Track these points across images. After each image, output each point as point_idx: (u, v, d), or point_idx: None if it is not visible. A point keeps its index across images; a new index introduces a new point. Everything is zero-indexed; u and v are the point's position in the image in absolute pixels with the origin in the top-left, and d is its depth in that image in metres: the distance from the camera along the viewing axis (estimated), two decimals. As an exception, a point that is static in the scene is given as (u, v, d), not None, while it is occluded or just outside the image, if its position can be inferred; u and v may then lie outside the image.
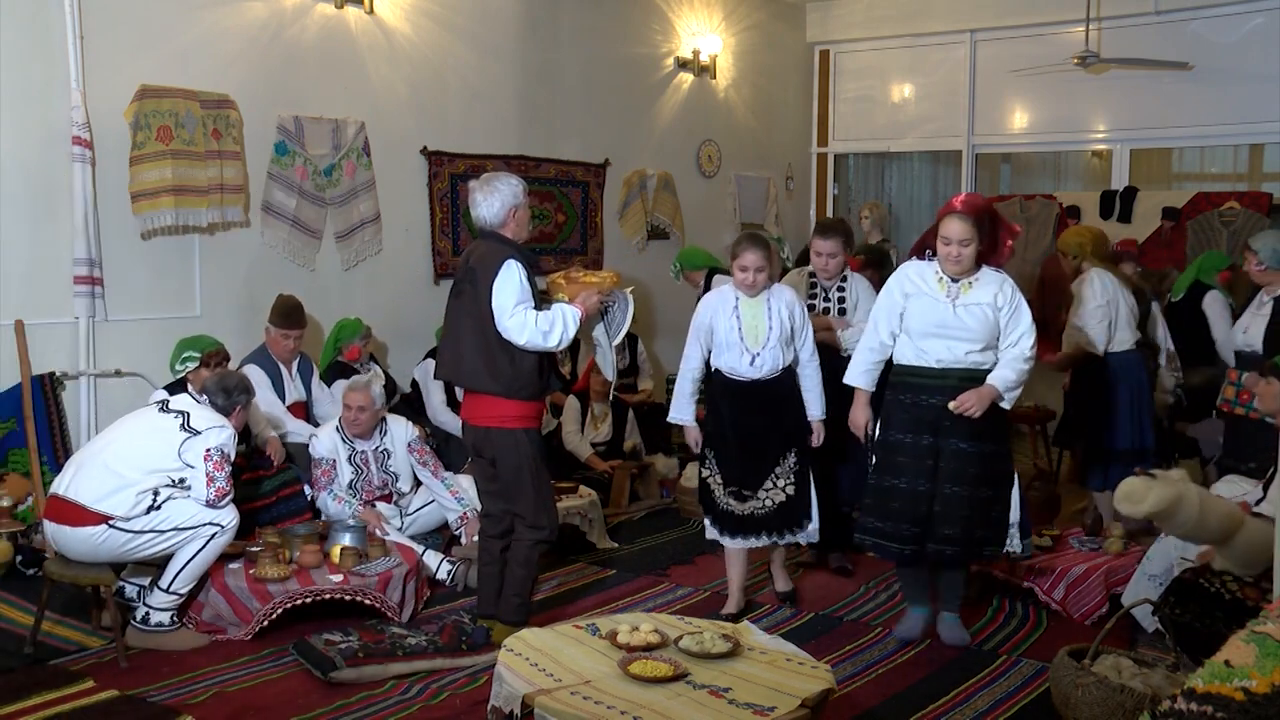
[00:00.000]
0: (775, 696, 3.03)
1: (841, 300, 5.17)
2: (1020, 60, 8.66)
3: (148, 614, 4.28)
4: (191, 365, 5.15)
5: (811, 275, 5.20)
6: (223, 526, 4.29)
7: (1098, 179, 9.05)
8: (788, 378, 4.67)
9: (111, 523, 4.15)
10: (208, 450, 4.27)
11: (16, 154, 5.20)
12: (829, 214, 9.84)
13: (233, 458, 4.40)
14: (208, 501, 4.26)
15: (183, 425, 4.30)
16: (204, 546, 4.25)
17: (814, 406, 4.72)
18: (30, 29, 5.21)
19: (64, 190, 5.31)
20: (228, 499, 4.32)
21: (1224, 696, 2.07)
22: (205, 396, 4.48)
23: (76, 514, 4.16)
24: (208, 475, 4.26)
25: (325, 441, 5.24)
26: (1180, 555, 4.19)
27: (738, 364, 4.62)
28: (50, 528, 4.25)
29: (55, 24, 5.26)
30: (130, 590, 4.49)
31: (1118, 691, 3.28)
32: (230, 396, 4.50)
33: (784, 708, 2.97)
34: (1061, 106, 8.68)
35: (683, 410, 4.81)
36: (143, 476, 4.21)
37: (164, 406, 4.42)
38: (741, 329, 4.59)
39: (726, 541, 4.75)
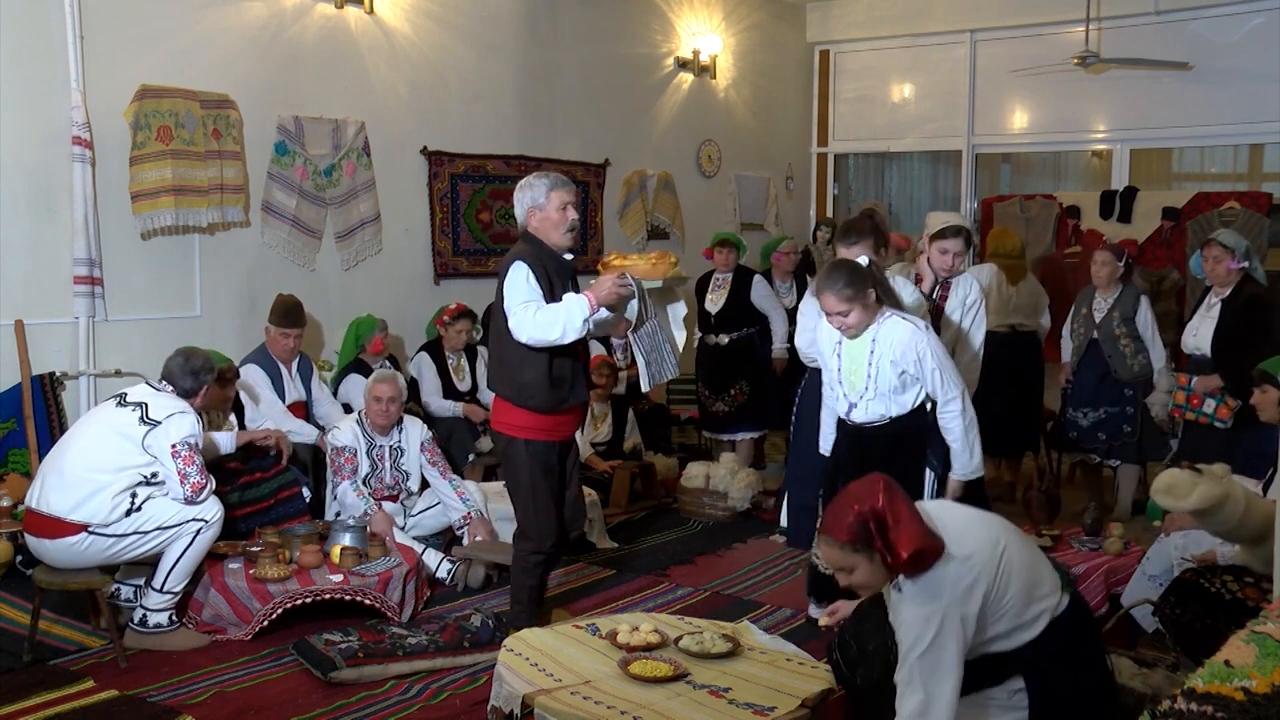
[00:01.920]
0: (775, 696, 3.03)
1: None
2: (1020, 60, 8.66)
3: (145, 616, 4.26)
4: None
5: None
6: (207, 521, 4.24)
7: (1098, 179, 9.05)
8: (912, 420, 3.92)
9: (90, 529, 4.08)
10: (174, 447, 4.19)
11: (16, 154, 5.20)
12: (829, 214, 9.79)
13: (200, 445, 4.31)
14: (185, 499, 4.20)
15: (142, 418, 4.21)
16: (191, 542, 4.21)
17: (954, 461, 3.95)
18: (30, 29, 5.21)
19: (64, 190, 5.31)
20: (205, 491, 4.26)
21: (1224, 696, 2.07)
22: (167, 383, 4.38)
23: (53, 526, 4.09)
24: (180, 473, 4.19)
25: (346, 433, 5.26)
26: (1180, 555, 4.18)
27: (838, 406, 4.06)
28: (32, 542, 4.20)
29: (55, 24, 5.26)
30: (127, 591, 4.48)
31: (1118, 691, 3.28)
32: (198, 377, 4.41)
33: (784, 708, 2.97)
34: (1061, 106, 8.68)
35: (829, 442, 4.23)
36: (113, 478, 4.13)
37: (121, 400, 4.31)
38: (841, 370, 3.96)
39: None
